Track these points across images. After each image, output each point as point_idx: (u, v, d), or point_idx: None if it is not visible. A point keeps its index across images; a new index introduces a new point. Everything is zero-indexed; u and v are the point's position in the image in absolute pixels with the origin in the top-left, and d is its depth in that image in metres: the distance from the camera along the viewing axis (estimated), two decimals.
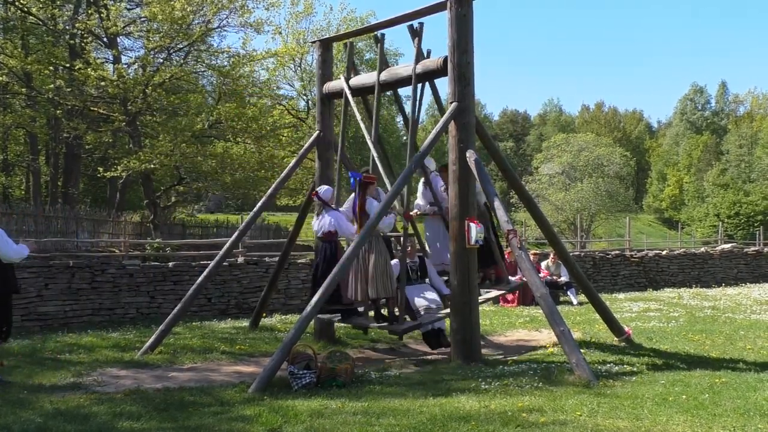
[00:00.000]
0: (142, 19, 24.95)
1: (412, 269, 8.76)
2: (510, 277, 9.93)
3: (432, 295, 8.71)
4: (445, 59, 8.38)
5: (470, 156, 8.14)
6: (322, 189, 9.21)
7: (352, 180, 8.77)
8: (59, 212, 23.03)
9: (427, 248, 9.85)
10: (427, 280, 8.99)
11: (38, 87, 24.14)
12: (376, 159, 9.11)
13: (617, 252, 19.48)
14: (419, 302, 8.50)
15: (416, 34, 8.87)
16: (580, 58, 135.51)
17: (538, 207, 10.03)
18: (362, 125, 9.83)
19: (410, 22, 8.96)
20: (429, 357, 8.83)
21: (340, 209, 9.10)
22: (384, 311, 8.57)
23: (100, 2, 23.42)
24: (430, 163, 9.56)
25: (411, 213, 8.99)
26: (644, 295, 16.02)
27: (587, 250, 28.31)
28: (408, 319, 8.49)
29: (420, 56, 8.83)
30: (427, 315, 8.43)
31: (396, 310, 8.39)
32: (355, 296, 8.17)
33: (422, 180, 9.74)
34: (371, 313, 8.73)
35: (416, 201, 9.81)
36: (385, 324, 8.50)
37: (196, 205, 44.30)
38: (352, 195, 8.96)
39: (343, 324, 9.38)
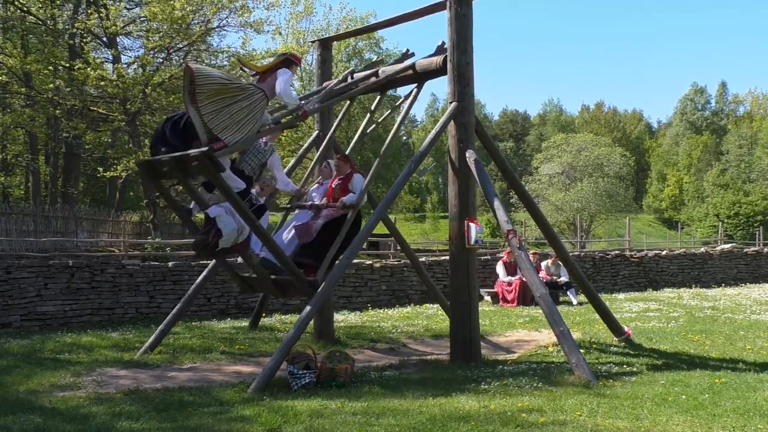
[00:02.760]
0: (142, 19, 24.98)
1: (252, 201, 7.84)
2: None
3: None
4: (445, 59, 8.37)
5: (470, 156, 8.14)
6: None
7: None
8: (59, 212, 23.03)
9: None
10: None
11: (38, 87, 24.14)
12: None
13: (617, 252, 19.47)
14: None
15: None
16: (580, 58, 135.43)
17: (537, 207, 10.01)
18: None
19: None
20: (429, 357, 8.82)
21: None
22: None
23: (100, 2, 23.44)
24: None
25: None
26: (644, 295, 16.01)
27: (587, 250, 28.29)
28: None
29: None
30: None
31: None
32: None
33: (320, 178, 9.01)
34: None
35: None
36: None
37: None
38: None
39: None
